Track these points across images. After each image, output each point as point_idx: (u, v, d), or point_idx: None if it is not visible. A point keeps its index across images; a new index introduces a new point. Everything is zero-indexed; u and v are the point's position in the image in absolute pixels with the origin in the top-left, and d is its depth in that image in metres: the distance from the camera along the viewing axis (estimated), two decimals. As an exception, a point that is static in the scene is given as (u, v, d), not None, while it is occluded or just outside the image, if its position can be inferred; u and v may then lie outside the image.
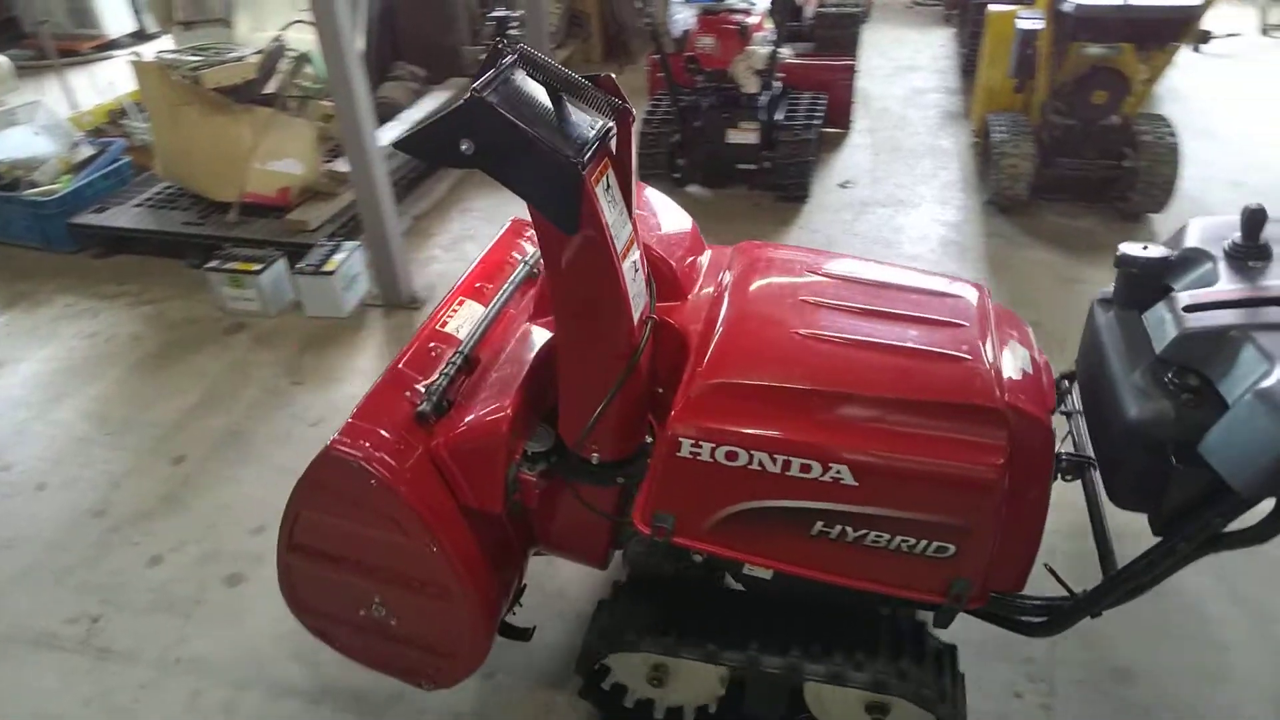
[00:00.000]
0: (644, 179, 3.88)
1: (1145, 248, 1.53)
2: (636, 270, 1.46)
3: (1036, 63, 3.50)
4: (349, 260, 3.18)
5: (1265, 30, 5.38)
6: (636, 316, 1.44)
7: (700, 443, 1.39)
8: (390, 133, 3.76)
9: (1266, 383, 1.21)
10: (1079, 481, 1.65)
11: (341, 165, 3.45)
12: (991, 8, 4.01)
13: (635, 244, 1.45)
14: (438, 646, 1.68)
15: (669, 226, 1.79)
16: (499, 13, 4.51)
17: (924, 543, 1.40)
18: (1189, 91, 4.73)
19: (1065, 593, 1.56)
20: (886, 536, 1.41)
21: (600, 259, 1.35)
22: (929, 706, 1.55)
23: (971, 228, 3.62)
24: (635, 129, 3.69)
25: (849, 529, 1.41)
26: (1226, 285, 1.42)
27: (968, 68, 4.82)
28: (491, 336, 1.73)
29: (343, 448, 1.50)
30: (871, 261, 1.73)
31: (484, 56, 1.32)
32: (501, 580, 1.67)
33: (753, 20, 3.61)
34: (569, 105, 1.29)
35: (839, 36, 4.83)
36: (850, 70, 4.31)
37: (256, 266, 3.18)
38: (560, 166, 1.23)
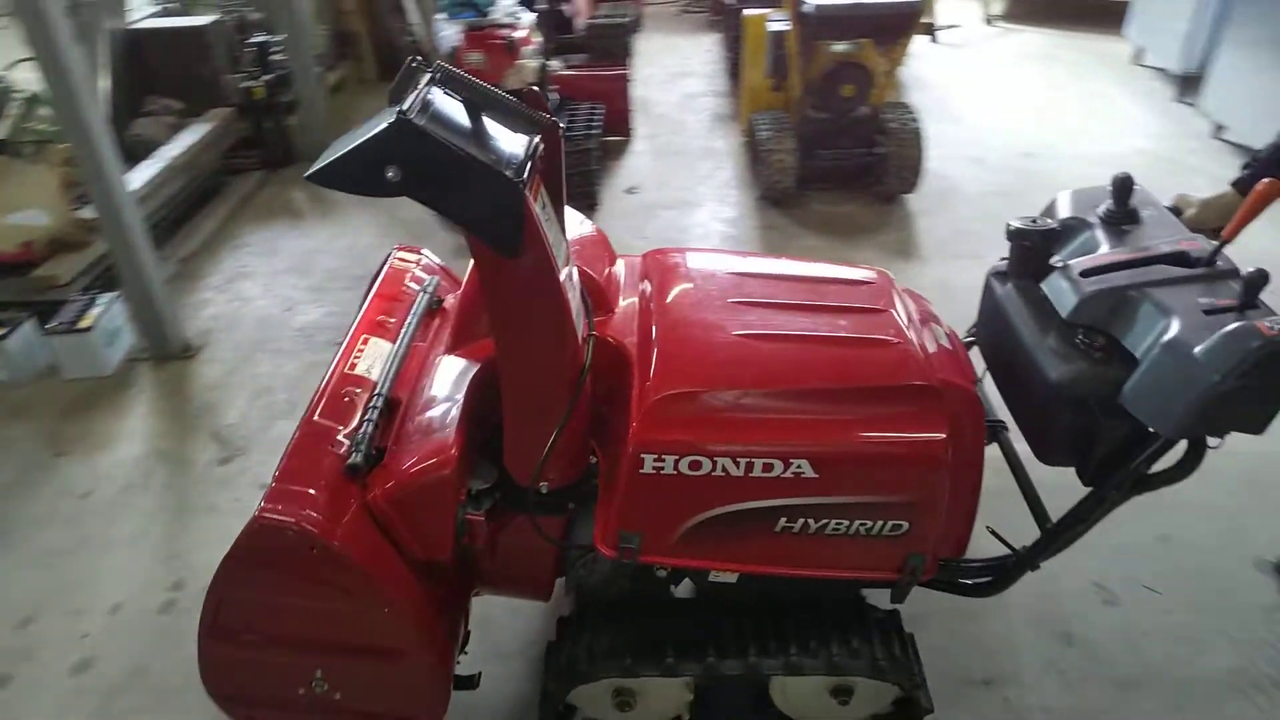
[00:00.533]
0: (428, 200, 3.83)
1: (1035, 221, 1.63)
2: (574, 287, 1.42)
3: (789, 62, 3.73)
4: (108, 313, 2.94)
5: (988, 20, 5.97)
6: (580, 335, 1.41)
7: (663, 456, 1.38)
8: (144, 172, 3.52)
9: (1170, 334, 1.33)
10: (994, 444, 1.71)
11: (91, 212, 3.18)
12: (747, 12, 4.23)
13: (570, 260, 1.40)
14: (391, 713, 1.57)
15: (581, 237, 1.73)
16: (259, 38, 4.33)
17: (880, 523, 1.45)
18: (930, 79, 5.18)
19: (1007, 552, 1.63)
20: (845, 523, 1.44)
21: (544, 280, 1.30)
22: (886, 677, 1.58)
23: (748, 222, 3.81)
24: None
25: (811, 521, 1.44)
26: (1111, 249, 1.55)
27: (734, 71, 5.06)
28: (405, 374, 1.62)
29: (272, 515, 1.35)
30: (779, 258, 1.78)
31: (398, 77, 1.24)
32: (451, 631, 1.58)
33: (520, 34, 3.63)
34: (494, 122, 1.24)
35: (611, 46, 4.95)
36: (624, 79, 4.43)
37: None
38: (500, 187, 1.17)
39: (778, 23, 3.74)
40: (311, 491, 1.39)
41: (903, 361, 1.48)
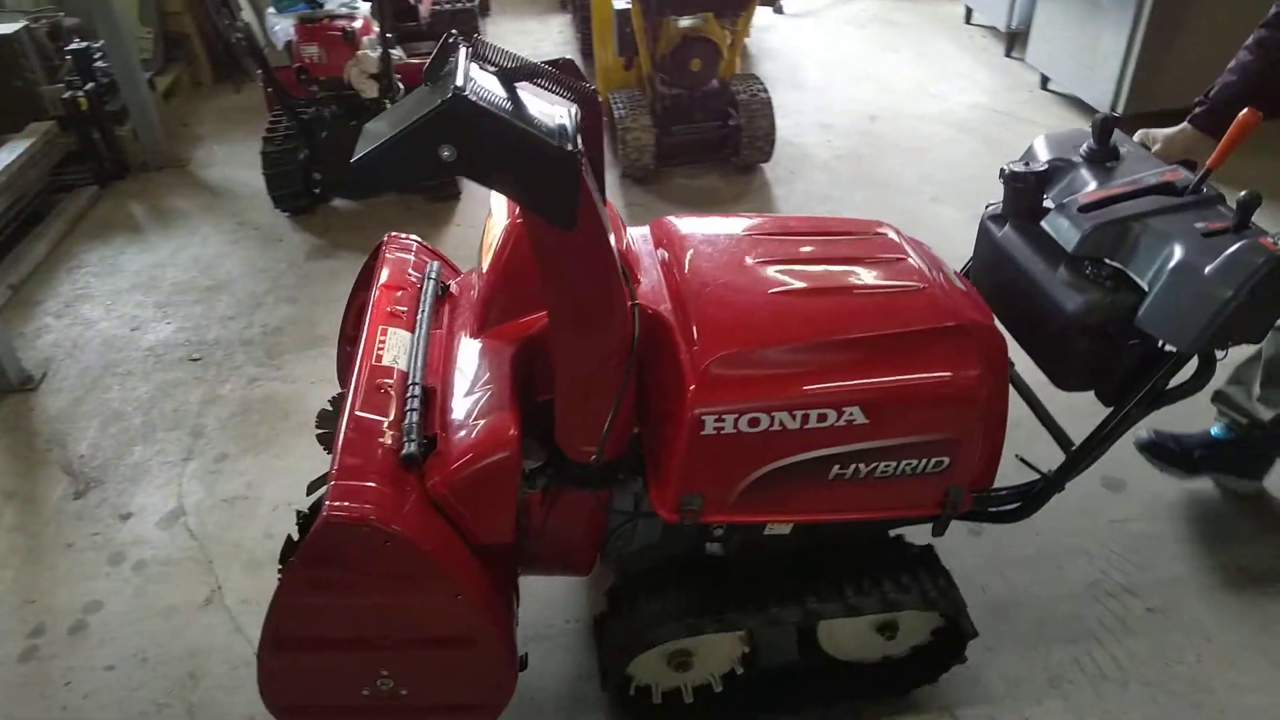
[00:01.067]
0: (278, 201, 3.69)
1: (1027, 164, 1.71)
2: (616, 257, 1.41)
3: (636, 40, 3.75)
4: (-70, 351, 2.72)
5: (830, -11, 6.15)
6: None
7: (723, 416, 1.40)
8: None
9: (1177, 258, 1.45)
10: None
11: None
12: (593, -9, 4.22)
13: (611, 229, 1.37)
14: (459, 703, 1.57)
15: None
16: (77, 45, 4.03)
17: (924, 461, 1.50)
18: (777, 49, 5.30)
19: (1031, 479, 1.74)
20: (893, 464, 1.49)
21: (598, 251, 1.29)
22: (937, 608, 1.66)
23: (614, 201, 3.82)
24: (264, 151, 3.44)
25: (862, 466, 1.48)
26: (1100, 185, 1.64)
27: (587, 50, 5.04)
28: (431, 362, 1.60)
29: (341, 512, 1.29)
30: (781, 217, 1.78)
31: (434, 54, 1.18)
32: (511, 613, 1.57)
33: (357, 24, 3.52)
34: (533, 94, 1.20)
35: (459, 32, 4.84)
36: (473, 65, 4.34)
37: None
38: (556, 160, 1.14)
39: (622, 1, 3.74)
40: (373, 485, 1.35)
41: (932, 304, 1.53)
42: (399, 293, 1.72)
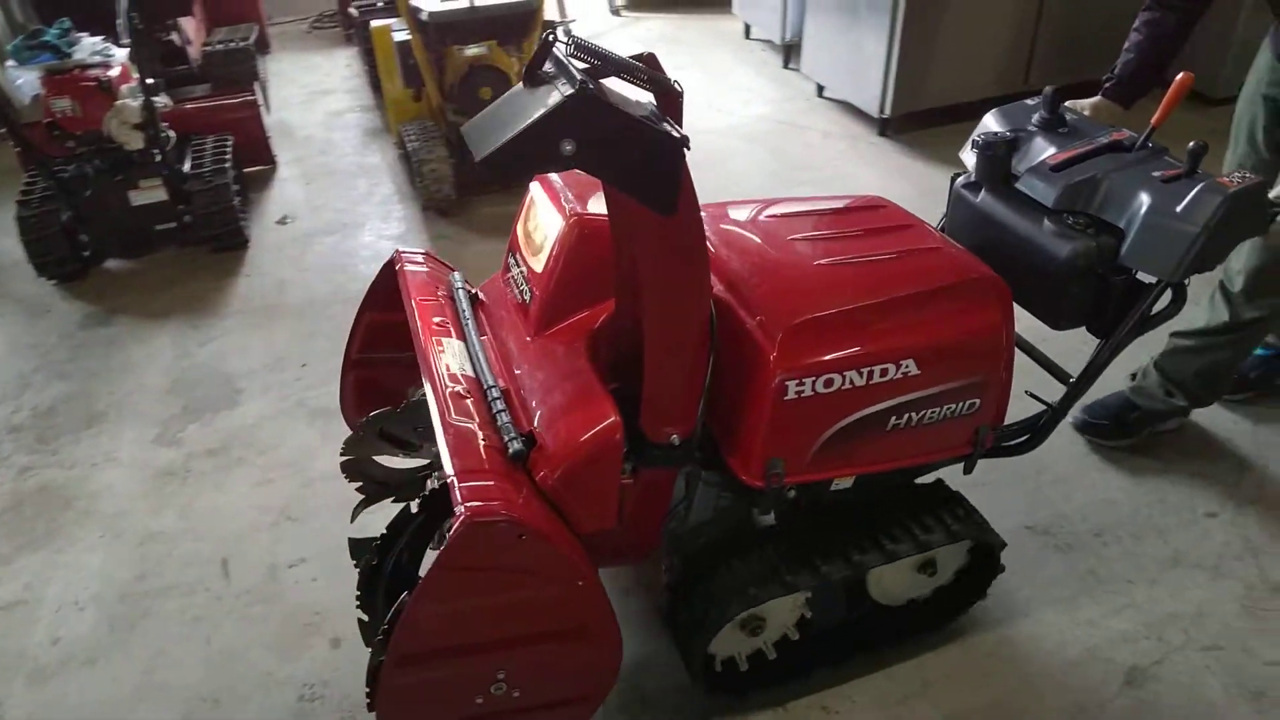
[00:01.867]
0: (41, 268, 3.39)
1: (997, 134, 1.90)
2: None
3: (422, 71, 3.69)
4: None
5: (615, 10, 6.30)
6: None
7: (802, 380, 1.50)
8: None
9: (1148, 202, 1.67)
10: None
11: None
12: (373, 23, 4.12)
13: None
14: (566, 697, 1.59)
15: None
16: None
17: (960, 404, 1.66)
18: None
19: (1041, 409, 1.92)
20: (938, 410, 1.64)
21: (694, 235, 1.35)
22: (961, 537, 1.82)
23: (417, 236, 3.74)
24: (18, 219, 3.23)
25: (914, 415, 1.62)
26: (1061, 148, 1.85)
27: (376, 83, 4.91)
28: (493, 365, 1.64)
29: (481, 512, 1.28)
30: (791, 198, 1.93)
31: (535, 52, 1.24)
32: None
33: (114, 72, 3.27)
34: (627, 86, 1.24)
35: (236, 73, 4.61)
36: (251, 105, 4.15)
37: None
38: (665, 147, 1.21)
39: (401, 32, 3.68)
40: (494, 483, 1.37)
41: (952, 262, 1.72)
42: (434, 303, 1.73)
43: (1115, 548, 2.25)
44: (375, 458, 1.86)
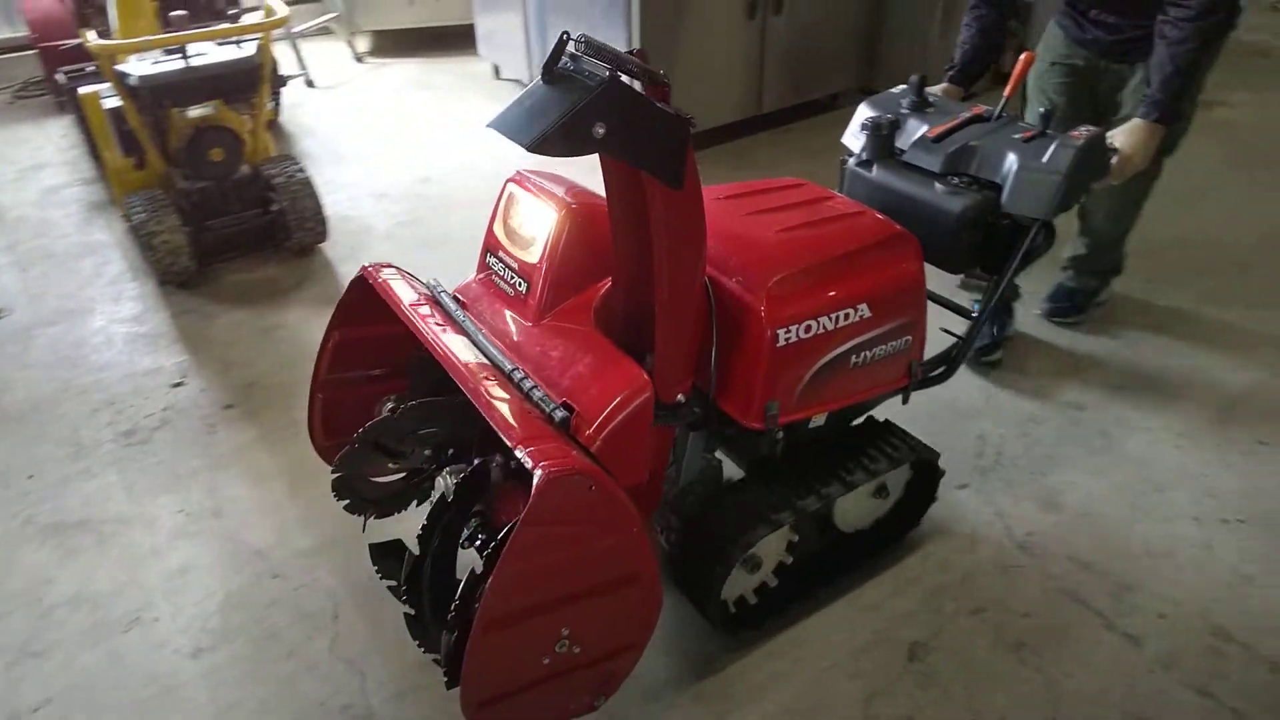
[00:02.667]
0: None
1: (880, 117, 2.22)
2: None
3: (141, 137, 3.40)
4: None
5: (359, 58, 6.12)
6: None
7: (789, 328, 1.75)
8: None
9: (1018, 159, 2.07)
10: None
11: None
12: (82, 90, 3.77)
13: None
14: (618, 646, 1.68)
15: None
16: None
17: (898, 342, 1.95)
18: (316, 125, 5.16)
19: (953, 341, 2.26)
20: (883, 348, 1.92)
21: (696, 205, 1.53)
22: (904, 460, 2.11)
23: (157, 315, 3.44)
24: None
25: (868, 353, 1.90)
26: (933, 125, 2.22)
27: (96, 153, 4.50)
28: (503, 351, 1.74)
29: (554, 467, 1.38)
30: (731, 184, 2.12)
31: (552, 50, 1.36)
32: None
33: None
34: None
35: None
36: (-59, 190, 3.66)
37: None
38: (676, 127, 1.39)
39: (112, 99, 3.38)
40: (556, 444, 1.46)
41: (875, 222, 2.00)
42: (424, 307, 1.80)
43: (885, 532, 2.40)
44: (367, 470, 1.93)
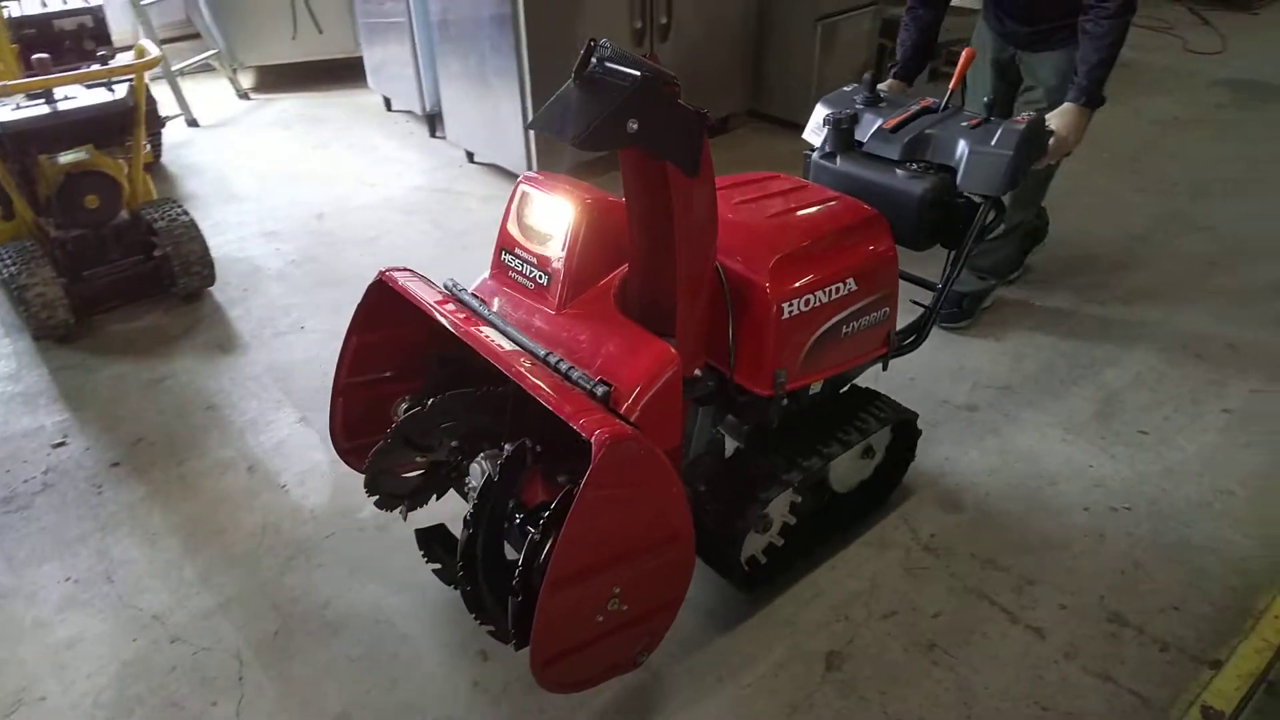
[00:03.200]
0: None
1: (841, 113, 2.41)
2: None
3: (3, 185, 3.23)
4: None
5: (243, 95, 5.96)
6: None
7: (792, 301, 1.93)
8: None
9: (969, 144, 2.28)
10: None
11: None
12: (-63, 138, 3.55)
13: None
14: (659, 604, 1.79)
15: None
16: None
17: (878, 314, 2.14)
18: (202, 164, 4.99)
19: (921, 312, 2.46)
20: (867, 318, 2.11)
21: (710, 190, 1.70)
22: (888, 421, 2.33)
23: (33, 372, 3.25)
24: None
25: (855, 324, 2.09)
26: (886, 117, 2.42)
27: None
28: (533, 338, 1.84)
29: (614, 435, 1.48)
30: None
31: (582, 54, 1.48)
32: None
33: None
34: None
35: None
36: None
37: None
38: (693, 119, 1.56)
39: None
40: (605, 415, 1.58)
41: (849, 206, 2.19)
42: (449, 305, 1.88)
43: (797, 544, 2.44)
44: (397, 465, 2.00)
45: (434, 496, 2.13)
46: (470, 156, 4.90)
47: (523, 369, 1.66)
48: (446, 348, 1.96)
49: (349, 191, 4.63)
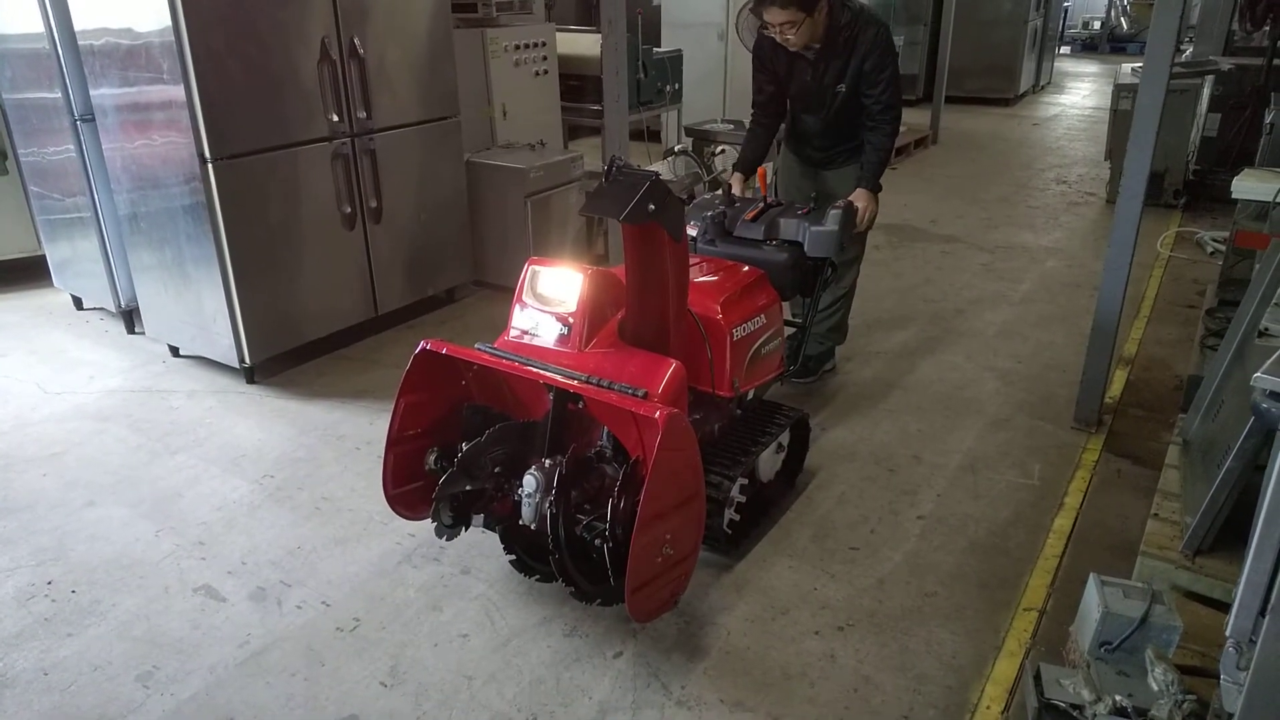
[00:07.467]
0: None
1: (716, 211, 3.45)
2: None
3: None
4: None
5: None
6: None
7: (737, 328, 2.91)
8: None
9: (807, 227, 3.33)
10: None
11: None
12: None
13: None
14: (687, 553, 2.39)
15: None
16: None
17: (774, 341, 3.16)
18: None
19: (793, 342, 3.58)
20: (772, 344, 3.15)
21: (686, 252, 2.57)
22: (791, 421, 3.24)
23: None
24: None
25: (766, 347, 3.10)
26: (745, 210, 3.50)
27: None
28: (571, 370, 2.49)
29: (667, 413, 2.12)
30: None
31: (608, 168, 2.42)
32: None
33: None
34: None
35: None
36: None
37: None
38: (679, 205, 2.42)
39: None
40: (652, 404, 2.22)
41: (750, 269, 3.18)
42: (490, 356, 2.48)
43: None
44: (457, 493, 2.48)
45: (463, 528, 2.57)
46: (175, 351, 4.59)
47: (585, 387, 2.29)
48: (477, 399, 2.64)
49: (29, 405, 4.15)
